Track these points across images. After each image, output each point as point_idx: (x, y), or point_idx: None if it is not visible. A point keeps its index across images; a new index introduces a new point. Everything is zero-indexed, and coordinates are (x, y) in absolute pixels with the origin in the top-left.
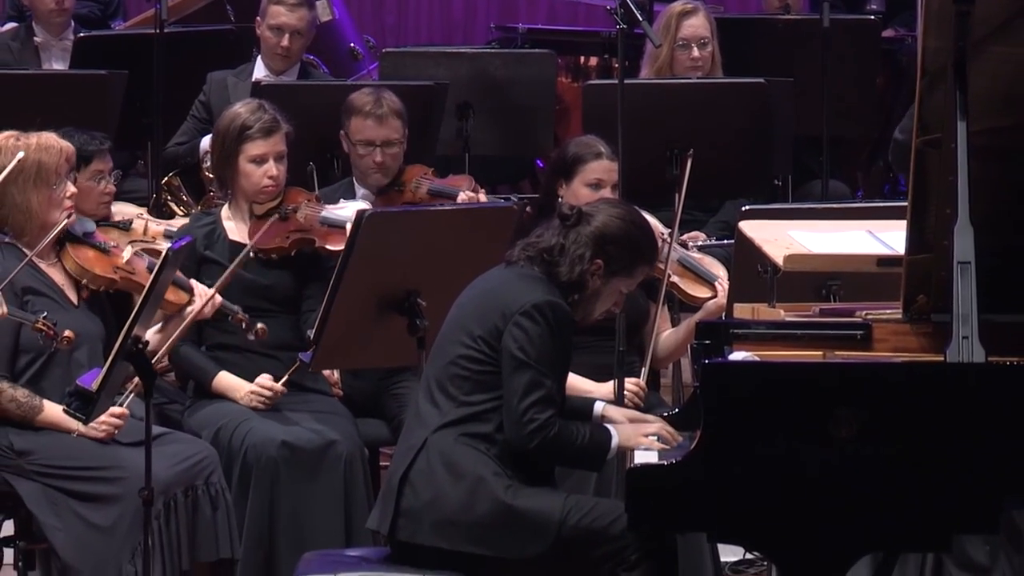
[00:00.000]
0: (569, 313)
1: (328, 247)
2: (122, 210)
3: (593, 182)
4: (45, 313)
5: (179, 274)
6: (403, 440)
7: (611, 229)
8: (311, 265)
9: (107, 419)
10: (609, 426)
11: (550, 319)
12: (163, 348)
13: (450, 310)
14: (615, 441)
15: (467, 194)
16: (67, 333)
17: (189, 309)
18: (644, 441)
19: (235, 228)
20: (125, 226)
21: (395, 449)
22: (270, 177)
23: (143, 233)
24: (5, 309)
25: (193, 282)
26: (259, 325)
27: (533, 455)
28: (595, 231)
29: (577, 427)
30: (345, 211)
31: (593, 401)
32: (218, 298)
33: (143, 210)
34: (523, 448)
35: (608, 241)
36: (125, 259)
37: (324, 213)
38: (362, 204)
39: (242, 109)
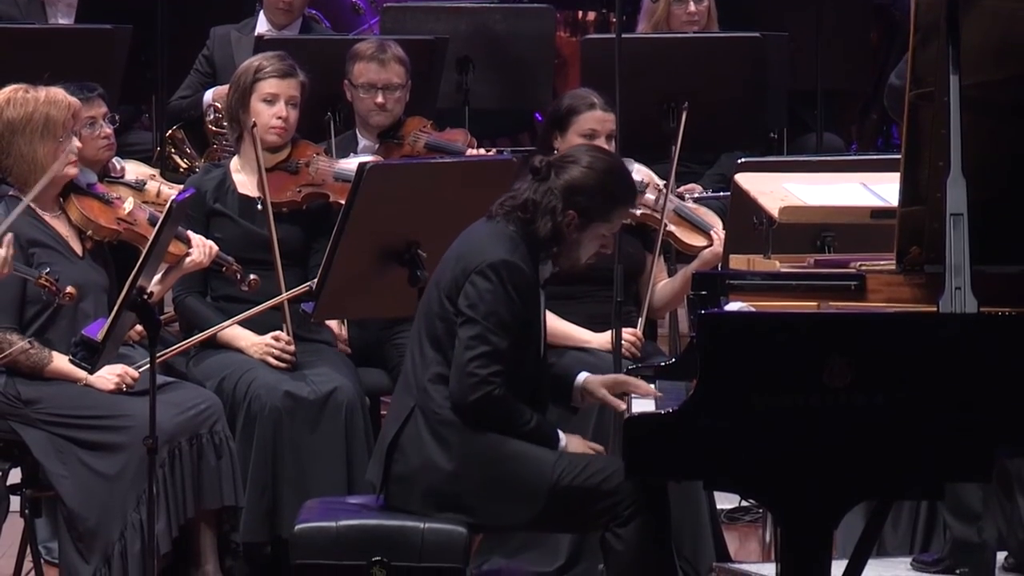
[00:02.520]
0: (527, 274)
1: (343, 202)
2: (136, 170)
3: (587, 132)
4: (48, 268)
5: (178, 228)
6: (393, 403)
7: (581, 180)
8: (319, 219)
9: (122, 374)
10: (561, 434)
11: (504, 278)
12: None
13: None
14: (561, 445)
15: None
16: (69, 289)
17: (189, 260)
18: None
19: (245, 181)
20: (139, 186)
21: (388, 408)
22: (279, 118)
23: (156, 196)
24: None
25: (190, 233)
26: (251, 277)
27: (472, 411)
28: (565, 184)
29: (527, 410)
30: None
31: (575, 374)
32: (214, 248)
33: (156, 172)
34: (463, 402)
35: (578, 192)
36: (127, 211)
37: (338, 168)
38: (372, 159)
39: (260, 56)
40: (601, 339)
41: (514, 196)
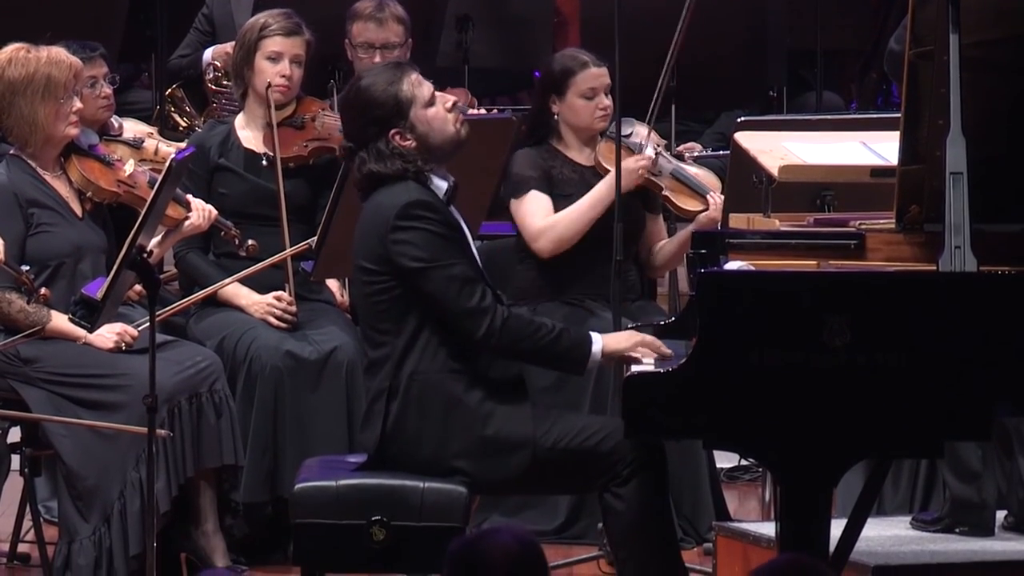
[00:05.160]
0: (428, 201)
1: None
2: (134, 128)
3: (587, 92)
4: (28, 268)
5: (177, 190)
6: (367, 383)
7: (369, 111)
8: (325, 174)
9: (121, 333)
10: (595, 336)
11: (415, 216)
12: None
13: None
14: (597, 346)
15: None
16: (43, 291)
17: (187, 223)
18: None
19: (250, 137)
20: (136, 144)
21: (365, 388)
22: (283, 76)
23: (153, 154)
24: (2, 256)
25: (190, 197)
26: (250, 242)
27: (492, 344)
28: (366, 129)
29: (542, 321)
30: None
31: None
32: (213, 212)
33: (154, 130)
34: (480, 341)
35: (377, 120)
36: (127, 173)
37: None
38: None
39: (267, 14)
40: None
41: (359, 176)
